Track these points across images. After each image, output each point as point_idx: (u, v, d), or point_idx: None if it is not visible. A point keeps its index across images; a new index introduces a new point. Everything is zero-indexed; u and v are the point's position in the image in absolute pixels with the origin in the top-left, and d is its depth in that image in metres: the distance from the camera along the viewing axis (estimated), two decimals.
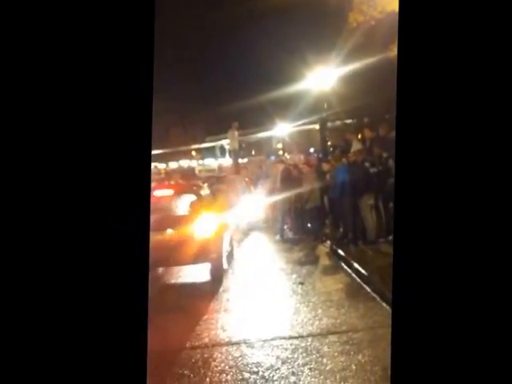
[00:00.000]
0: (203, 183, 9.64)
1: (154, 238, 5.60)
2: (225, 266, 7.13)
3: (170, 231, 6.49)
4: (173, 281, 7.37)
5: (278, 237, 9.73)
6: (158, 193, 7.11)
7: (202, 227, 6.62)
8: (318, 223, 9.47)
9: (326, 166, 9.32)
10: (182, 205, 7.08)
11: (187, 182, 10.84)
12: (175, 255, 6.21)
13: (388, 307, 5.04)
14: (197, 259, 6.47)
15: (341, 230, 8.86)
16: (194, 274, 7.18)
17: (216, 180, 12.69)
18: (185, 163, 32.46)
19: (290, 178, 9.59)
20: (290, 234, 10.07)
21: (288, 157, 16.69)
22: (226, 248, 7.30)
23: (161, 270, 7.18)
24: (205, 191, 8.13)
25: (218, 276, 6.70)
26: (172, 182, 10.70)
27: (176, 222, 6.70)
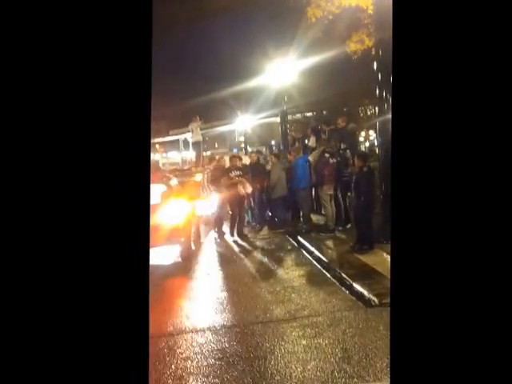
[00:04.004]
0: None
1: None
2: (192, 247, 7.90)
3: None
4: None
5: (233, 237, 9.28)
6: None
7: (172, 214, 7.29)
8: (282, 213, 9.67)
9: (288, 157, 9.53)
10: (154, 194, 7.53)
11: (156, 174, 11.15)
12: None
13: (347, 291, 5.24)
14: (168, 242, 7.16)
15: (301, 219, 9.07)
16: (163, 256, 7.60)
17: (180, 173, 12.74)
18: None
19: (261, 170, 9.79)
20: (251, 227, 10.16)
21: (263, 149, 16.78)
22: (193, 232, 8.10)
23: None
24: (174, 181, 8.65)
25: (186, 256, 7.50)
26: None
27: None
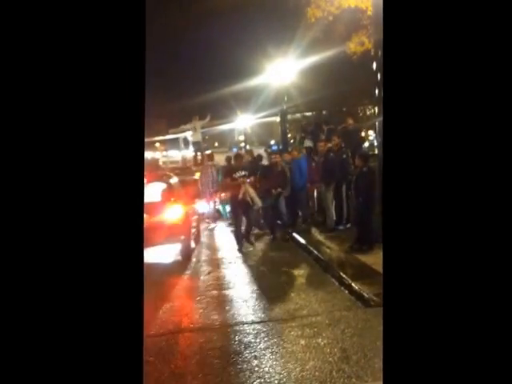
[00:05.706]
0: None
1: None
2: (192, 245, 7.88)
3: (144, 216, 6.84)
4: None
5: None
6: None
7: (173, 212, 7.25)
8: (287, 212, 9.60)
9: (288, 157, 9.51)
10: (154, 192, 7.51)
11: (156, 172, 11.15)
12: (149, 237, 6.65)
13: (346, 291, 5.25)
14: (168, 240, 7.16)
15: (300, 217, 9.07)
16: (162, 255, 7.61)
17: (181, 171, 12.79)
18: (148, 155, 31.97)
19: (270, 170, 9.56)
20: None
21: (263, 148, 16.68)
22: (193, 231, 8.06)
23: None
24: (174, 180, 8.61)
25: (186, 255, 7.49)
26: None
27: (149, 207, 6.97)
